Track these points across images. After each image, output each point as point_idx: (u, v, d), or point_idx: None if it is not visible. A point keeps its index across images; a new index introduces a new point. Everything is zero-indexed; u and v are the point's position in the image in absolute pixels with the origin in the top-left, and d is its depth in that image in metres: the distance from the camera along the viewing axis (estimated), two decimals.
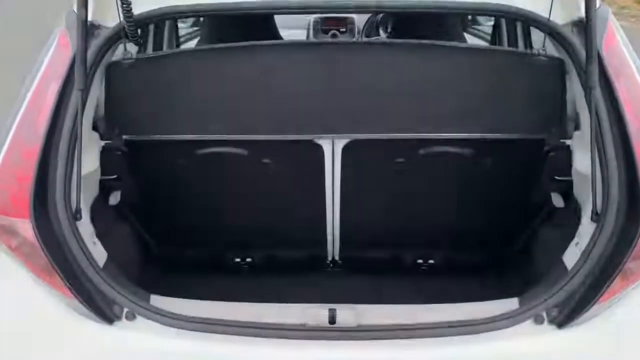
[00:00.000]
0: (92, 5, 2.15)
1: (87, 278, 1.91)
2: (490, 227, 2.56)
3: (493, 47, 3.50)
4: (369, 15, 3.72)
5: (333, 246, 2.66)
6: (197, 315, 1.90)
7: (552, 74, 2.29)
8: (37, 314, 1.95)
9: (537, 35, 3.24)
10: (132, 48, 2.36)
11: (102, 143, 2.31)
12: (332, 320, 1.90)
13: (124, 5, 2.06)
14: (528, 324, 1.88)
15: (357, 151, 2.40)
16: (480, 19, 4.27)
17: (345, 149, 2.39)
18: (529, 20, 2.27)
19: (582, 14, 2.12)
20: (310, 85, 2.33)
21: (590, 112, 2.04)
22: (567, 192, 2.36)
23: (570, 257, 2.04)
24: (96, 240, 2.10)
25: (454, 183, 2.50)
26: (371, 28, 3.80)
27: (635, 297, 1.92)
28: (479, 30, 4.27)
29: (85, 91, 2.08)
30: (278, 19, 3.26)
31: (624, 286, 1.88)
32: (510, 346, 1.87)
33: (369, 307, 1.98)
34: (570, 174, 2.31)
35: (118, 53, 2.35)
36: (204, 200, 2.54)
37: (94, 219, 2.14)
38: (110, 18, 2.20)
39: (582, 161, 2.20)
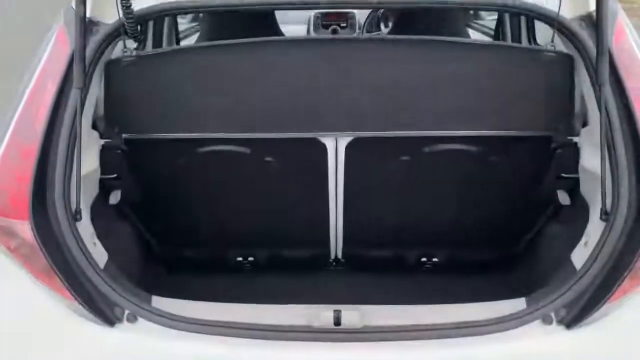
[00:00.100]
0: (91, 1, 2.12)
1: (87, 279, 1.89)
2: (495, 225, 2.53)
3: (498, 42, 3.45)
4: (370, 10, 3.69)
5: (336, 245, 2.64)
6: (199, 317, 1.88)
7: (561, 70, 2.25)
8: (37, 316, 1.92)
9: (540, 31, 3.21)
10: (131, 45, 2.33)
11: (102, 142, 2.29)
12: (337, 321, 1.88)
13: (124, 2, 2.03)
14: (536, 325, 1.86)
15: (360, 149, 2.37)
16: (483, 13, 4.22)
17: (348, 147, 2.36)
18: (537, 15, 2.22)
19: (591, 8, 2.09)
20: (312, 82, 2.30)
21: (600, 109, 2.02)
22: (573, 189, 2.33)
23: (579, 256, 2.02)
24: (96, 240, 2.08)
25: (459, 181, 2.46)
26: (372, 23, 3.77)
27: None
28: (481, 25, 4.22)
29: (84, 89, 2.05)
30: (278, 14, 3.22)
31: (634, 285, 1.85)
32: (518, 347, 1.85)
33: (374, 307, 1.96)
34: (577, 172, 2.28)
35: (117, 50, 2.32)
36: (206, 198, 2.51)
37: (94, 219, 2.11)
38: (109, 14, 2.17)
39: (589, 158, 2.18)
